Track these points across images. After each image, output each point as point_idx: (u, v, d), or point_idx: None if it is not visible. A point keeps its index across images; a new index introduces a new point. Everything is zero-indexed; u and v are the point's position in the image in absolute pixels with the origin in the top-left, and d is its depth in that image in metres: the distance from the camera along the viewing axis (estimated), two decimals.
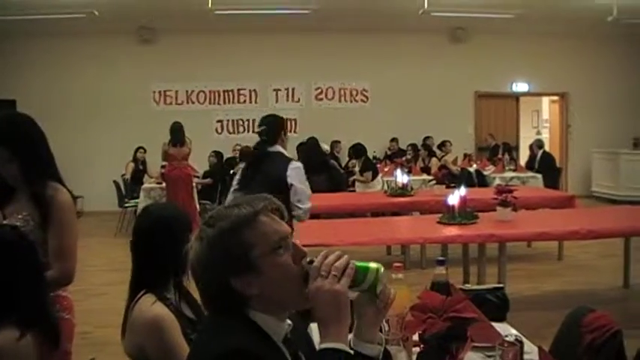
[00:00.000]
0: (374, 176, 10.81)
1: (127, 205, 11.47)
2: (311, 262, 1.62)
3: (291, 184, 4.81)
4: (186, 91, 14.59)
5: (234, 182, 5.31)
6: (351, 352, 1.63)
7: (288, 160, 4.95)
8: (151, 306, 2.43)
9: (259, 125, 5.19)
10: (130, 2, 12.10)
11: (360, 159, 11.17)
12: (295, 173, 4.86)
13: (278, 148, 5.03)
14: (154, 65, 14.11)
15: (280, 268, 1.63)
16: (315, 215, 9.03)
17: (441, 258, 2.52)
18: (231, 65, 14.34)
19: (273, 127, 5.10)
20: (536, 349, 2.29)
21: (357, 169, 11.52)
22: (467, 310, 2.13)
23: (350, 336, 1.73)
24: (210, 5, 11.62)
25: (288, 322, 1.72)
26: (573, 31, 14.55)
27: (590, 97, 15.48)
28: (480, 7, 13.11)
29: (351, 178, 11.50)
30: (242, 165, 6.36)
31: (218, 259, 1.60)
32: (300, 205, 4.81)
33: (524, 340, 2.59)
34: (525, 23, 13.73)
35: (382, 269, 1.66)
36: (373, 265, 1.65)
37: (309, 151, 11.85)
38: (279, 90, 14.82)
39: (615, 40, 15.23)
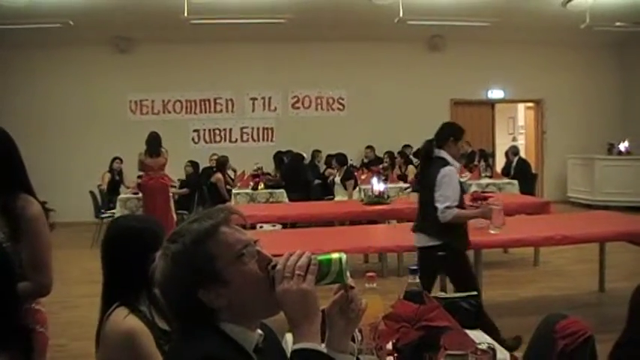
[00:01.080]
0: (355, 185, 10.89)
1: (103, 215, 11.40)
2: (275, 266, 1.62)
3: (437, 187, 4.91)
4: (163, 101, 14.54)
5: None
6: (324, 350, 1.64)
7: (443, 165, 4.98)
8: (123, 319, 2.41)
9: None
10: (105, 12, 12.07)
11: (343, 168, 11.28)
12: (441, 177, 4.93)
13: (441, 153, 5.07)
14: (130, 75, 14.07)
15: (246, 276, 1.63)
16: (292, 224, 9.11)
17: (413, 267, 2.52)
18: (207, 74, 14.33)
19: (441, 132, 5.21)
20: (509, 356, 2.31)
21: (337, 178, 11.59)
22: (440, 318, 2.14)
23: (322, 346, 1.74)
24: (185, 14, 11.60)
25: (259, 332, 1.72)
26: (548, 38, 14.69)
27: (565, 104, 15.63)
28: (456, 15, 13.19)
29: (338, 197, 11.57)
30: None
31: (184, 273, 1.59)
32: (438, 205, 4.89)
33: (497, 347, 2.62)
34: (501, 31, 13.84)
35: (345, 257, 1.65)
36: (335, 255, 1.64)
37: (296, 171, 11.98)
38: (256, 99, 14.82)
39: (589, 47, 15.42)
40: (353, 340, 1.97)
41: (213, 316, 1.62)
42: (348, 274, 1.68)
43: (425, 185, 5.18)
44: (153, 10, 12.10)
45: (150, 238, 2.56)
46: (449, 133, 5.14)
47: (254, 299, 1.64)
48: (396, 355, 2.15)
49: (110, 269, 2.59)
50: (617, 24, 13.88)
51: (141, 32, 13.43)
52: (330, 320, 1.79)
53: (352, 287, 1.76)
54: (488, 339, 2.75)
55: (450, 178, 4.92)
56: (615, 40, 15.53)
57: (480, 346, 2.05)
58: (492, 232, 5.32)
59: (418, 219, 5.36)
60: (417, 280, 2.45)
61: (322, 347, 1.63)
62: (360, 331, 2.09)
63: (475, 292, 3.17)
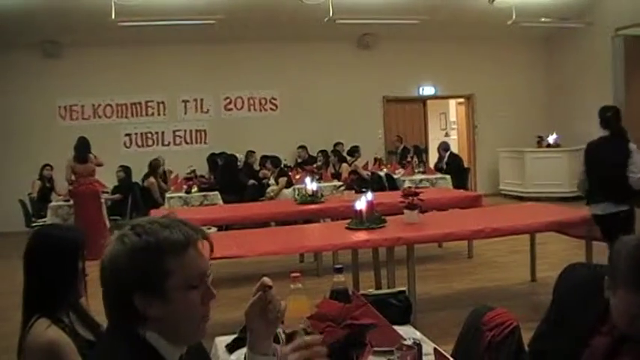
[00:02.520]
0: (289, 185, 10.89)
1: (34, 224, 11.13)
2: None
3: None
4: (93, 105, 14.26)
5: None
6: None
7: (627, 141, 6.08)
8: (44, 330, 2.36)
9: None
10: (32, 16, 11.79)
11: (277, 169, 11.30)
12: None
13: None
14: (59, 80, 13.76)
15: (188, 306, 1.60)
16: (227, 226, 9.05)
17: (338, 266, 2.52)
18: (138, 78, 14.13)
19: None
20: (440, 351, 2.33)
21: (272, 180, 11.59)
22: (365, 316, 2.15)
23: (245, 350, 1.73)
24: (113, 17, 11.42)
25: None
26: (476, 34, 14.93)
27: (494, 98, 15.90)
28: (385, 13, 13.30)
29: (269, 189, 11.56)
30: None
31: (131, 270, 1.55)
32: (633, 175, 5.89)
33: (427, 341, 2.64)
34: (430, 28, 14.00)
35: None
36: None
37: (230, 174, 11.94)
38: (188, 101, 14.68)
39: (516, 43, 15.74)
40: (277, 341, 1.96)
41: (140, 322, 1.59)
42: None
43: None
44: (80, 13, 11.85)
45: (71, 247, 2.51)
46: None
47: (184, 328, 1.62)
48: None
49: (30, 280, 2.53)
50: (543, 20, 14.21)
51: (69, 36, 13.13)
52: (250, 323, 1.78)
53: (270, 287, 1.76)
54: (418, 334, 2.77)
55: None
56: (541, 36, 15.89)
57: (405, 342, 2.06)
58: None
59: (603, 192, 6.05)
60: (343, 279, 2.45)
61: None
62: (284, 332, 2.08)
63: None
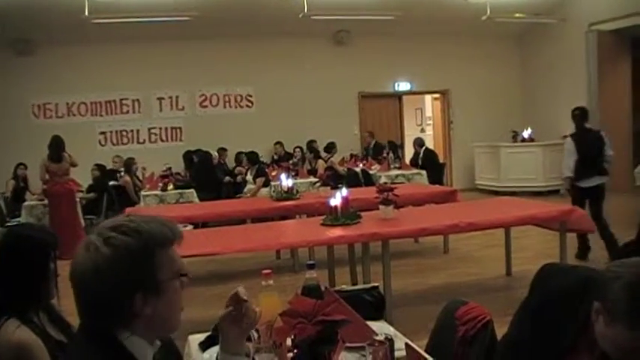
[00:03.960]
0: (267, 183, 10.87)
1: (8, 224, 11.02)
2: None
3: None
4: (67, 104, 14.12)
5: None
6: None
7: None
8: (14, 331, 2.33)
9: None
10: (4, 14, 11.65)
11: (255, 166, 11.26)
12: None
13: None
14: (33, 78, 13.60)
15: (176, 296, 1.65)
16: (203, 224, 9.03)
17: (310, 262, 2.52)
18: (112, 75, 13.99)
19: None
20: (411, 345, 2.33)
21: (249, 176, 11.54)
22: (337, 312, 2.14)
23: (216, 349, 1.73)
24: (86, 14, 11.33)
25: (157, 341, 1.70)
26: (451, 30, 14.98)
27: (469, 94, 15.97)
28: (360, 9, 13.32)
29: (246, 189, 11.52)
30: None
31: (130, 271, 1.55)
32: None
33: (400, 336, 2.65)
34: (405, 24, 14.03)
35: None
36: None
37: (204, 171, 11.89)
38: (163, 99, 14.59)
39: (490, 38, 15.81)
40: (249, 339, 1.96)
41: (126, 324, 1.58)
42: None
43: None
44: (53, 10, 11.73)
45: (42, 247, 2.49)
46: None
47: (172, 318, 1.66)
48: (295, 351, 2.15)
49: (0, 280, 2.50)
50: (517, 15, 14.30)
51: (41, 34, 12.98)
52: (222, 329, 1.78)
53: (245, 300, 1.76)
54: (391, 329, 2.77)
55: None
56: (515, 31, 16.00)
57: (377, 337, 2.06)
58: None
59: (593, 169, 7.95)
60: (315, 275, 2.45)
61: None
62: (257, 329, 2.08)
63: None
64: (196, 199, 10.77)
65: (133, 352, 1.59)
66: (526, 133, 14.95)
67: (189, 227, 9.06)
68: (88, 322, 1.62)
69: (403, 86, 16.11)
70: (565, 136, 8.78)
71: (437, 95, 17.48)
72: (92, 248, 1.56)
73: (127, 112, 14.46)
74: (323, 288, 2.52)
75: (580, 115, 8.28)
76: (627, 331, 1.85)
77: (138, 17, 12.14)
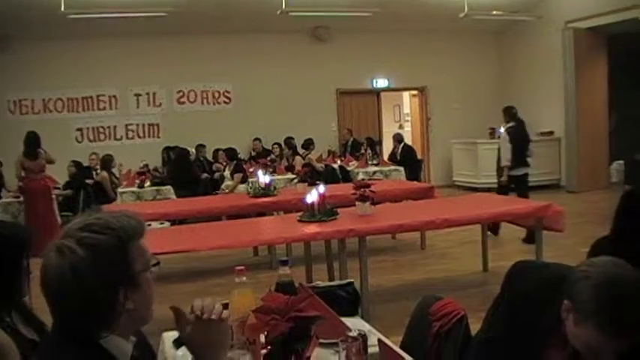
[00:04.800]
0: (244, 179, 10.85)
1: None
2: None
3: None
4: (43, 100, 14.00)
5: None
6: None
7: None
8: None
9: None
10: None
11: (232, 162, 11.24)
12: None
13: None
14: (8, 74, 13.42)
15: (150, 287, 1.65)
16: (181, 221, 8.99)
17: (284, 258, 2.52)
18: (89, 71, 13.88)
19: None
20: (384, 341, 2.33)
21: (226, 173, 11.52)
22: (311, 308, 2.14)
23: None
24: (63, 9, 11.24)
25: (132, 338, 1.69)
26: (429, 27, 15.04)
27: (447, 91, 16.04)
28: (338, 6, 13.33)
29: (224, 185, 11.50)
30: None
31: (106, 269, 1.53)
32: None
33: (375, 332, 2.65)
34: (383, 21, 14.07)
35: None
36: None
37: (181, 167, 11.85)
38: (140, 95, 14.50)
39: (468, 35, 15.89)
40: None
41: (108, 324, 1.57)
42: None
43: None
44: (29, 5, 11.62)
45: (14, 245, 2.46)
46: None
47: (148, 309, 1.66)
48: (268, 348, 2.14)
49: None
50: (495, 13, 14.36)
51: (17, 29, 12.82)
52: (190, 350, 1.76)
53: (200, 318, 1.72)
54: (366, 325, 2.77)
55: None
56: (493, 29, 16.07)
57: (350, 334, 2.06)
58: None
59: (524, 160, 9.52)
60: (288, 272, 2.45)
61: None
62: (230, 326, 2.07)
63: None
64: (173, 196, 10.72)
65: (112, 352, 1.59)
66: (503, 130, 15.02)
67: (167, 224, 9.05)
68: (66, 326, 1.58)
69: (381, 83, 16.14)
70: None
71: (415, 92, 17.51)
72: (67, 251, 1.53)
73: (104, 108, 14.36)
74: (297, 284, 2.52)
75: (516, 112, 9.96)
76: (595, 330, 1.86)
77: (115, 13, 12.08)
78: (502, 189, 9.62)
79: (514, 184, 9.60)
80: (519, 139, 9.57)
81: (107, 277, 1.54)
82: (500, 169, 9.68)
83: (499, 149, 9.75)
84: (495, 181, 13.23)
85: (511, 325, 2.21)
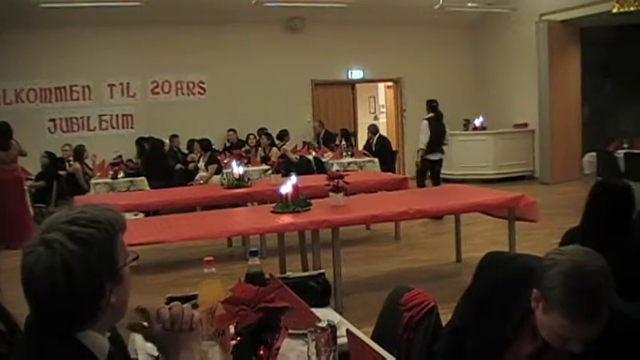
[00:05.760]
0: (218, 170, 10.81)
1: None
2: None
3: None
4: (15, 90, 13.80)
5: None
6: None
7: None
8: None
9: None
10: None
11: (207, 153, 11.20)
12: None
13: None
14: None
15: (129, 281, 1.65)
16: (155, 212, 8.95)
17: (253, 249, 2.51)
18: (62, 61, 13.71)
19: None
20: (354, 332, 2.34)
21: (201, 163, 11.48)
22: (280, 299, 2.14)
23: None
24: None
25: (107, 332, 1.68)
26: (404, 19, 15.05)
27: (422, 82, 16.02)
28: None
29: (198, 176, 11.45)
30: None
31: (98, 263, 1.53)
32: None
33: (346, 323, 2.65)
34: (359, 12, 14.07)
35: None
36: None
37: (155, 158, 11.78)
38: (114, 85, 14.37)
39: (443, 27, 15.93)
40: None
41: (91, 318, 1.56)
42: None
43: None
44: None
45: None
46: None
47: (126, 303, 1.66)
48: (238, 338, 2.14)
49: None
50: (469, 5, 14.42)
51: None
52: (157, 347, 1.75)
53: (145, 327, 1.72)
54: (337, 316, 2.78)
55: None
56: (468, 20, 16.11)
57: (320, 324, 2.06)
58: None
59: (440, 146, 11.11)
60: (258, 262, 2.44)
61: None
62: (201, 322, 2.06)
63: None
64: (147, 187, 10.66)
65: (91, 348, 1.57)
66: (478, 122, 15.13)
67: (140, 215, 9.00)
68: (46, 320, 1.55)
69: (356, 74, 16.14)
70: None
71: (390, 83, 17.54)
72: (57, 246, 1.51)
73: (77, 98, 14.21)
74: (267, 275, 2.52)
75: (436, 106, 11.39)
76: (562, 317, 1.87)
77: (88, 2, 11.98)
78: (420, 174, 11.26)
79: (429, 167, 11.18)
80: (436, 128, 11.04)
81: (98, 272, 1.53)
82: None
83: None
84: (472, 172, 13.41)
85: (481, 315, 2.22)
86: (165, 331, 1.68)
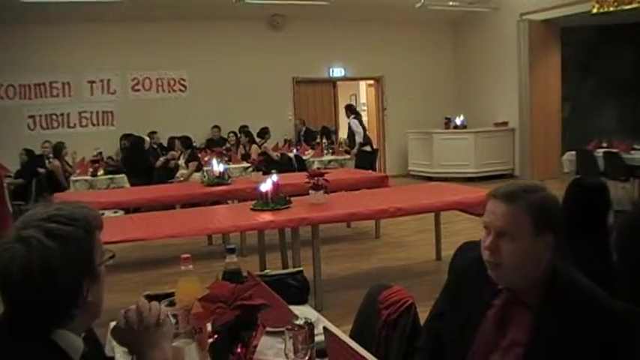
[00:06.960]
0: (199, 168, 10.78)
1: None
2: None
3: None
4: None
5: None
6: None
7: None
8: None
9: None
10: None
11: (187, 151, 11.17)
12: None
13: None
14: None
15: (104, 280, 1.64)
16: (135, 209, 8.91)
17: (230, 246, 2.51)
18: (42, 57, 13.59)
19: None
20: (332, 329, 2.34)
21: (181, 161, 11.44)
22: (257, 296, 2.14)
23: None
24: None
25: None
26: (386, 17, 15.07)
27: (403, 81, 16.11)
28: None
29: (178, 174, 11.41)
30: None
31: (76, 261, 1.52)
32: None
33: (324, 320, 2.66)
34: (340, 10, 14.08)
35: None
36: None
37: (136, 156, 11.72)
38: (94, 82, 14.27)
39: (425, 26, 16.00)
40: None
41: (68, 317, 1.55)
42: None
43: None
44: None
45: None
46: None
47: (102, 302, 1.65)
48: (214, 336, 2.14)
49: None
50: (451, 4, 14.46)
51: None
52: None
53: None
54: (315, 313, 2.78)
55: None
56: (449, 19, 16.18)
57: (297, 322, 2.06)
58: None
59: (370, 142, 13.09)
60: (235, 260, 2.44)
61: None
62: (175, 315, 2.06)
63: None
64: (127, 185, 10.62)
65: (64, 347, 1.56)
66: (458, 120, 15.19)
67: (120, 213, 8.96)
68: (20, 319, 1.54)
69: (337, 72, 16.14)
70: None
71: (371, 82, 17.57)
72: (34, 242, 1.50)
73: (57, 95, 14.10)
74: (245, 273, 2.52)
75: (355, 108, 13.72)
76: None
77: None
78: (359, 163, 12.23)
79: (362, 157, 12.48)
80: (363, 126, 13.04)
81: (77, 270, 1.52)
82: (352, 146, 12.83)
83: (354, 133, 12.85)
84: (453, 170, 13.59)
85: (455, 300, 2.26)
86: (133, 329, 1.68)
